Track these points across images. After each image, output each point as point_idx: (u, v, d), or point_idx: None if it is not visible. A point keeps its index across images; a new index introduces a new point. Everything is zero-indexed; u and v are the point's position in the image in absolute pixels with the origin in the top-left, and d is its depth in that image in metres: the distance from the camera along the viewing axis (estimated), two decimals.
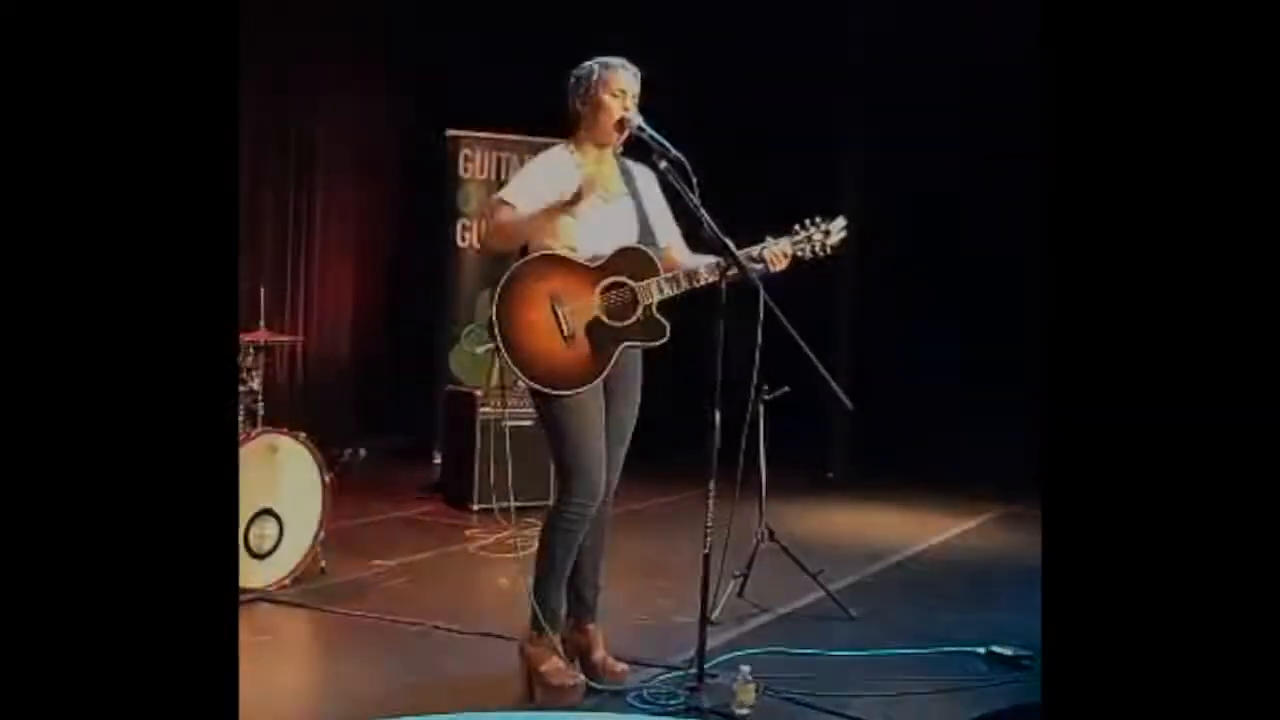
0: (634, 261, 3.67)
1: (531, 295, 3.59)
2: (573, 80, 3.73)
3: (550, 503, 3.72)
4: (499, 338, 3.55)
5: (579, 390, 3.61)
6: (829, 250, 3.75)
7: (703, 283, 3.66)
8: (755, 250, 3.67)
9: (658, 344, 3.69)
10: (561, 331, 3.59)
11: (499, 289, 3.58)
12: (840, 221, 3.75)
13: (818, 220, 3.74)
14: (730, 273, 3.62)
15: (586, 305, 3.62)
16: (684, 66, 7.60)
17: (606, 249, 3.65)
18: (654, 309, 3.66)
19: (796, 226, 3.74)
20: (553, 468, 3.70)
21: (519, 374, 3.58)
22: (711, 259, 3.67)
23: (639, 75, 3.72)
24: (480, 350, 3.53)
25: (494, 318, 3.56)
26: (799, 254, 3.71)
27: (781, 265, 3.68)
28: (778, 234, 3.72)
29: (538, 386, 3.59)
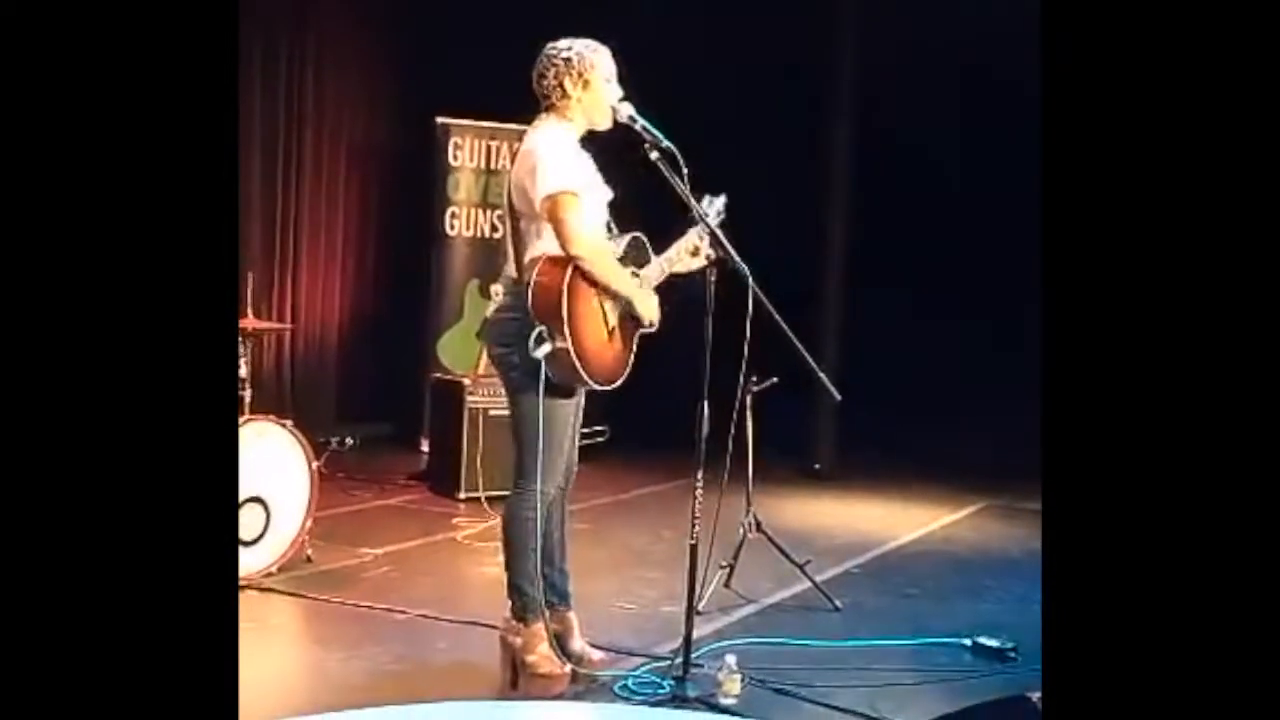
0: (638, 250, 3.76)
1: (585, 293, 3.58)
2: (560, 61, 3.61)
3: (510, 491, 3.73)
4: (568, 337, 3.50)
5: (618, 382, 3.67)
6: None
7: (684, 268, 3.77)
8: (694, 235, 3.73)
9: (654, 328, 3.78)
10: (606, 325, 3.63)
11: (564, 289, 3.51)
12: (722, 199, 3.79)
13: (704, 197, 3.75)
14: (716, 262, 3.68)
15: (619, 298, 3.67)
16: (671, 54, 7.59)
17: (601, 236, 3.68)
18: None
19: (698, 204, 3.70)
20: (516, 456, 3.67)
21: (584, 374, 3.54)
22: (682, 241, 3.75)
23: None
24: (542, 352, 3.48)
25: (564, 317, 3.49)
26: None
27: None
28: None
29: (591, 383, 3.58)
